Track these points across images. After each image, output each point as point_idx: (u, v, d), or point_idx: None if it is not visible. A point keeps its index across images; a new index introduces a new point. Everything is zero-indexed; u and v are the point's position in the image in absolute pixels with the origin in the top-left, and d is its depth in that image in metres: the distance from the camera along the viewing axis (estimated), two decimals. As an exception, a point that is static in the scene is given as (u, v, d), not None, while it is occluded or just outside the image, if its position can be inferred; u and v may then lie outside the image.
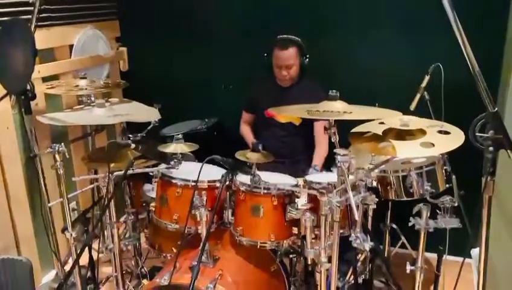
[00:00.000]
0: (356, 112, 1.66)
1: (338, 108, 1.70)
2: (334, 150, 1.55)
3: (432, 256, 2.24)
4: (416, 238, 1.81)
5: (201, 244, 1.81)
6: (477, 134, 1.48)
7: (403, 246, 2.60)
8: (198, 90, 3.25)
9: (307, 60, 2.65)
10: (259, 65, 2.74)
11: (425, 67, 2.29)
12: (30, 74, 1.91)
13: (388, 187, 1.95)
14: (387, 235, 2.51)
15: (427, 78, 2.27)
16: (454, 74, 2.16)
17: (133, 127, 2.25)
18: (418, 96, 2.29)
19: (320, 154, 2.65)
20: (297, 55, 2.62)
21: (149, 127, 2.25)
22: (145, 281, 2.28)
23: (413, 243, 2.30)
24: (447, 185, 1.96)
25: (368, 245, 1.66)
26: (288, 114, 2.56)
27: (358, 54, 2.82)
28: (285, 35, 2.64)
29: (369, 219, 2.18)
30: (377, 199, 1.70)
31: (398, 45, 2.73)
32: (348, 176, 1.53)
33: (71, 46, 2.88)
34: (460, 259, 1.80)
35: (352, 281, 2.21)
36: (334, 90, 1.72)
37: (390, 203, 2.43)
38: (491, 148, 1.45)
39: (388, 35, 2.74)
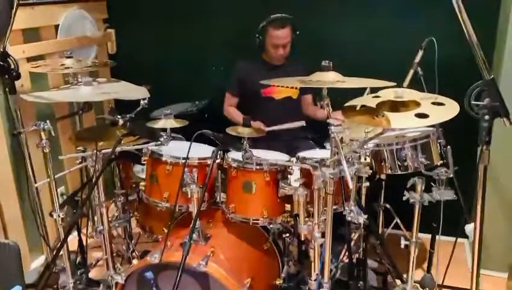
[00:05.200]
0: (349, 81, 1.63)
1: (331, 78, 1.66)
2: (328, 120, 1.52)
3: (425, 237, 2.23)
4: (409, 219, 1.80)
5: (192, 221, 1.77)
6: (473, 102, 1.45)
7: (396, 227, 2.59)
8: (189, 72, 3.20)
9: (296, 36, 2.66)
10: (250, 46, 2.70)
11: (418, 42, 2.26)
12: (5, 24, 1.82)
13: (382, 163, 1.92)
14: (381, 214, 2.49)
15: (420, 53, 2.23)
16: (447, 47, 2.15)
17: (122, 108, 2.20)
18: (411, 72, 2.25)
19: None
20: (291, 32, 2.63)
21: (138, 108, 2.20)
22: (135, 261, 2.23)
23: (407, 225, 2.29)
24: (441, 161, 1.93)
25: (362, 218, 1.64)
26: (285, 84, 2.58)
27: (350, 31, 2.80)
28: (278, 15, 2.61)
29: (363, 197, 2.17)
30: (371, 171, 1.67)
31: (390, 20, 2.71)
32: (342, 147, 1.50)
33: (57, 27, 2.81)
34: (453, 239, 1.80)
35: (346, 260, 2.20)
36: (327, 61, 1.69)
37: (383, 183, 2.41)
38: (487, 117, 1.43)
39: (380, 9, 2.73)
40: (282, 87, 2.72)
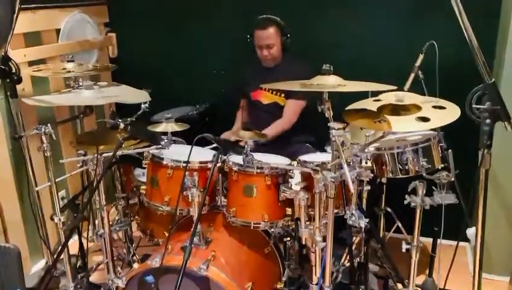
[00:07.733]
0: (350, 84, 1.63)
1: (332, 82, 1.66)
2: (329, 124, 1.52)
3: (427, 240, 2.23)
4: (411, 223, 1.80)
5: (193, 225, 1.77)
6: (474, 106, 1.45)
7: (397, 231, 2.58)
8: (189, 76, 3.20)
9: (289, 39, 2.63)
10: (248, 48, 2.70)
11: (419, 45, 2.26)
12: (7, 32, 1.83)
13: (383, 166, 1.92)
14: (382, 218, 2.48)
15: (421, 56, 2.23)
16: (448, 51, 2.15)
17: (123, 112, 2.20)
18: (412, 75, 2.25)
19: (276, 124, 2.59)
20: (277, 34, 2.60)
21: (139, 112, 2.20)
22: (136, 265, 2.23)
23: (408, 229, 2.29)
24: (443, 165, 1.93)
25: (363, 223, 1.63)
26: (280, 88, 2.53)
27: (351, 35, 2.80)
28: (264, 16, 2.61)
29: (364, 201, 2.17)
30: (372, 175, 1.67)
31: (391, 24, 2.72)
32: (343, 150, 1.50)
33: (58, 31, 2.82)
34: (455, 243, 1.79)
35: (347, 264, 2.19)
36: (327, 64, 1.69)
37: (384, 186, 2.41)
38: (488, 121, 1.43)
39: (381, 13, 2.73)
40: (268, 92, 2.70)
